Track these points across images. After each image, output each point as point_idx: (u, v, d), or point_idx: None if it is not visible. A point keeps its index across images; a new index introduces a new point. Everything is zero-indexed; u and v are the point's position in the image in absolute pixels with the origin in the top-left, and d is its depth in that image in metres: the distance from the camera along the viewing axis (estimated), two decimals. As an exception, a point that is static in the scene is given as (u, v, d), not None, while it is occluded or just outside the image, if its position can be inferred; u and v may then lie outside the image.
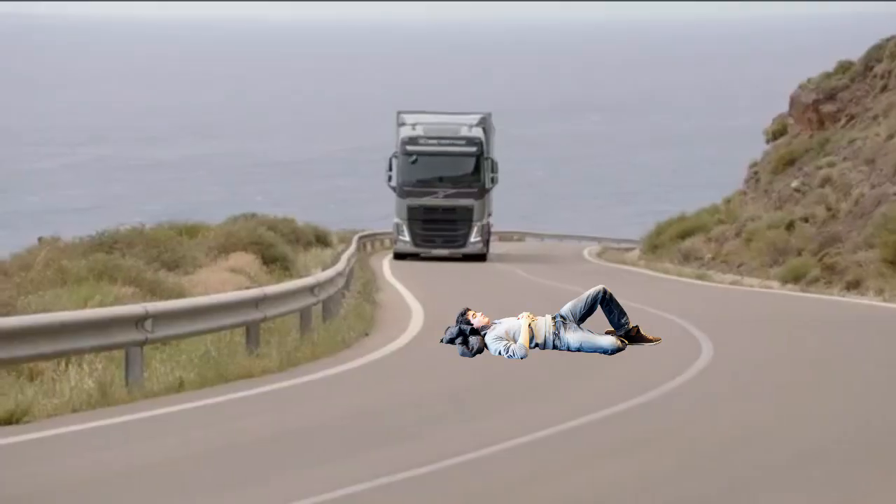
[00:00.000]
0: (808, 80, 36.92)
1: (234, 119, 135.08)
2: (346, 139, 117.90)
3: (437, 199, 36.64)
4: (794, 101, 37.22)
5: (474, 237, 36.72)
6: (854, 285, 24.44)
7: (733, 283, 27.37)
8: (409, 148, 36.82)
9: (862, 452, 8.72)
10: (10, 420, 9.71)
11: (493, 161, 37.07)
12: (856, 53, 37.03)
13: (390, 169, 36.99)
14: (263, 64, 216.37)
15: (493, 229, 40.14)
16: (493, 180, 37.05)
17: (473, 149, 36.83)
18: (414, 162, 36.65)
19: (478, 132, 37.14)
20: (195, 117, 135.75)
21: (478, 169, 36.74)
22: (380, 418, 10.11)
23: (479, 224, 36.74)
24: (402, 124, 37.39)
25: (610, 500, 7.41)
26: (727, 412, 10.33)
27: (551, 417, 9.81)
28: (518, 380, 12.40)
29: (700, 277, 28.78)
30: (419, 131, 37.02)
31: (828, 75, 36.32)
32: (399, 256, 37.11)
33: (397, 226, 37.17)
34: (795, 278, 26.14)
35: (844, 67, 36.25)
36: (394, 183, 37.08)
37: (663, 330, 16.43)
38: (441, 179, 36.90)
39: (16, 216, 69.62)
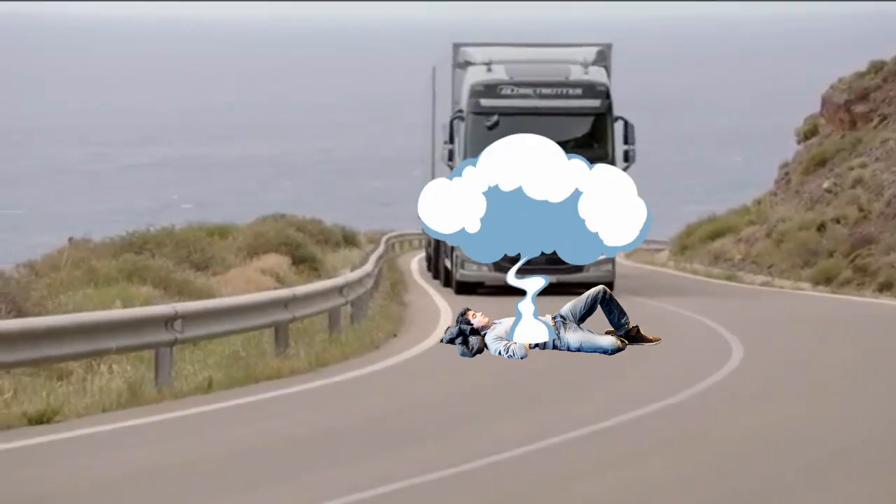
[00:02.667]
0: (840, 80, 36.67)
1: (267, 119, 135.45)
2: (361, 140, 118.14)
3: None
4: (825, 102, 36.98)
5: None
6: (886, 287, 24.24)
7: (764, 284, 27.20)
8: (485, 102, 21.62)
9: (892, 453, 8.63)
10: (41, 419, 9.76)
11: (627, 124, 21.94)
12: (868, 54, 36.78)
13: (450, 140, 22.03)
14: (278, 65, 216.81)
15: None
16: (630, 157, 21.97)
17: (596, 102, 21.89)
18: (493, 126, 21.60)
19: (600, 74, 22.25)
20: (228, 118, 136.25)
21: (604, 137, 21.94)
22: (409, 419, 10.10)
23: None
24: (468, 63, 22.37)
25: (640, 500, 7.37)
26: (757, 413, 10.27)
27: (580, 418, 9.77)
28: (546, 381, 12.35)
29: (730, 279, 28.63)
30: (499, 73, 21.92)
31: (860, 75, 36.05)
32: (465, 287, 22.28)
33: None
34: (827, 280, 25.95)
35: (877, 67, 35.98)
36: (457, 163, 21.59)
37: (692, 331, 16.37)
38: None
39: (75, 218, 69.61)
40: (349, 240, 38.38)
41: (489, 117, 22.05)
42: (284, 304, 13.57)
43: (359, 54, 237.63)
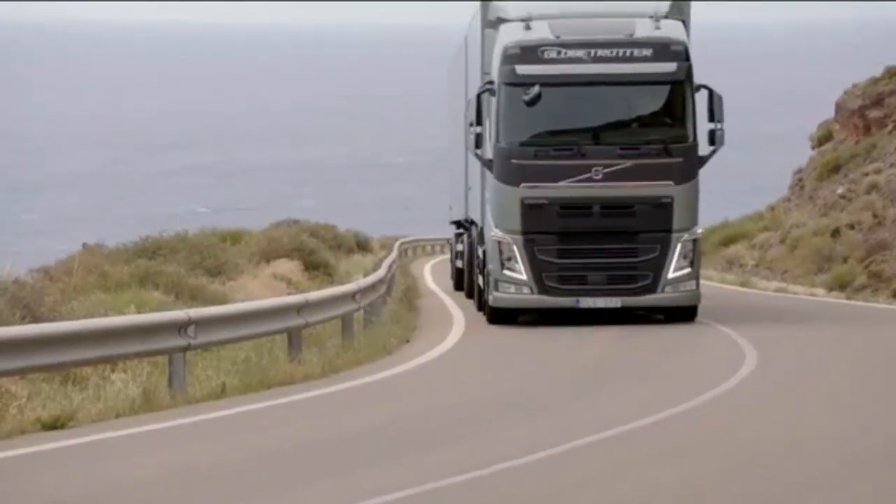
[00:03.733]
0: (854, 86, 36.59)
1: (284, 125, 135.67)
2: (378, 145, 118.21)
3: (590, 186, 16.51)
4: (839, 107, 36.90)
5: (677, 268, 16.57)
6: (901, 292, 24.15)
7: (778, 290, 27.14)
8: (522, 70, 16.48)
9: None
10: (56, 425, 9.78)
11: (713, 94, 16.73)
12: (882, 59, 36.67)
13: (477, 121, 16.77)
14: (289, 70, 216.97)
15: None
16: (717, 138, 16.76)
17: (671, 66, 16.57)
18: (534, 101, 16.42)
19: (675, 30, 16.85)
20: (245, 123, 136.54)
21: (683, 112, 16.70)
22: (423, 424, 10.09)
23: (685, 239, 16.65)
24: (501, 20, 17.15)
25: (654, 508, 7.35)
26: (772, 419, 10.24)
27: (596, 423, 9.75)
28: (561, 386, 12.33)
29: (743, 284, 28.57)
30: (542, 31, 16.59)
31: (874, 81, 35.97)
32: (500, 315, 17.01)
33: (497, 246, 16.69)
34: (841, 286, 25.87)
35: (891, 73, 35.89)
36: (487, 151, 16.94)
37: (706, 336, 16.30)
38: (597, 138, 16.58)
39: (94, 224, 69.28)
40: (362, 245, 38.42)
41: (528, 89, 16.42)
42: (297, 309, 13.57)
43: (368, 58, 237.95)
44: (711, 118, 16.83)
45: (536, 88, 16.52)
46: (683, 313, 16.92)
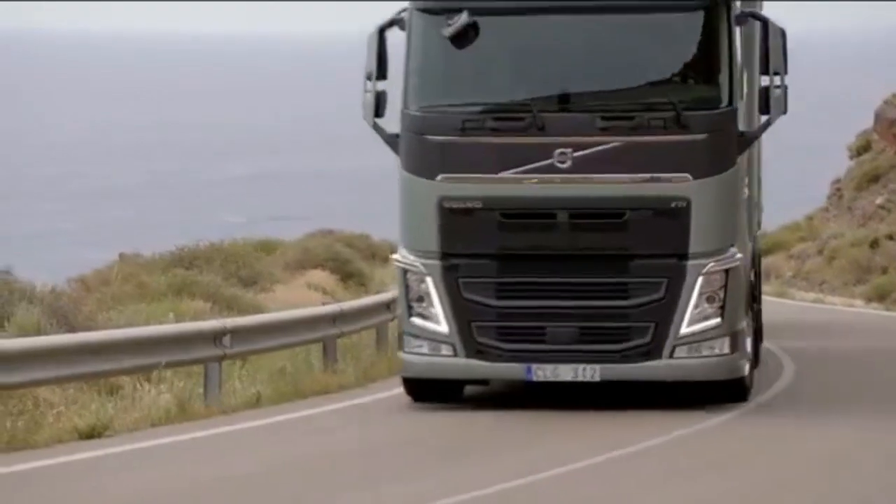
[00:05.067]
0: (894, 96, 36.30)
1: (328, 132, 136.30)
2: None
3: (552, 180, 10.02)
4: (878, 117, 36.61)
5: (696, 318, 9.98)
6: (940, 304, 23.91)
7: (815, 301, 26.93)
8: None
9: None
10: (92, 434, 9.84)
11: (768, 27, 9.91)
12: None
13: (380, 73, 10.31)
14: (330, 78, 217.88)
15: None
16: (773, 101, 9.88)
17: None
18: (461, 37, 10.09)
19: None
20: (287, 132, 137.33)
21: (715, 60, 9.95)
22: (455, 435, 10.06)
23: (710, 269, 9.99)
24: None
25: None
26: (806, 435, 10.13)
27: (624, 438, 9.68)
28: (590, 398, 12.26)
29: (780, 295, 28.37)
30: None
31: (913, 90, 35.69)
32: (417, 388, 10.68)
33: (403, 278, 10.38)
34: (880, 297, 25.67)
35: (930, 82, 35.58)
36: (395, 127, 10.52)
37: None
38: (565, 101, 9.99)
39: (133, 232, 69.43)
40: (397, 255, 38.34)
41: (450, 17, 10.22)
42: (332, 319, 13.59)
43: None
44: (765, 69, 10.12)
45: (464, 16, 10.09)
46: (715, 391, 10.32)
